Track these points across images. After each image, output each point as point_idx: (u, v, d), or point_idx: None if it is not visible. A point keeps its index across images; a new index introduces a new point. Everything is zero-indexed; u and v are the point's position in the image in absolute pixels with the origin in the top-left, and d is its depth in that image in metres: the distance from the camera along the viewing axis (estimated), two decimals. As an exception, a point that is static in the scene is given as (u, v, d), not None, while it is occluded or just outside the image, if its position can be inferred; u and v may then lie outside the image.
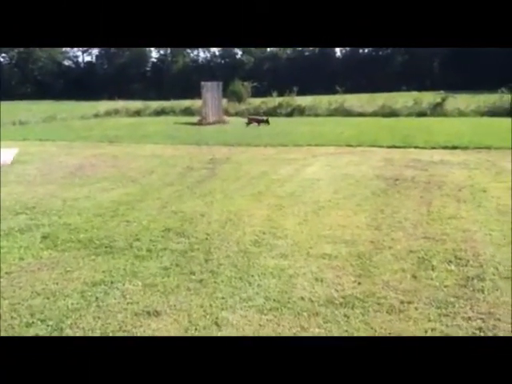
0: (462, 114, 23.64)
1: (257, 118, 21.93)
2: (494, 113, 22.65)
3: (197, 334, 3.60)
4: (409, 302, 4.02)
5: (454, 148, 12.58)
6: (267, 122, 20.56)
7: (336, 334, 3.56)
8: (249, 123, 20.81)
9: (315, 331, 3.61)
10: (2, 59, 76.28)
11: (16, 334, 3.63)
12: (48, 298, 4.22)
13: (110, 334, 3.61)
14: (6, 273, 4.80)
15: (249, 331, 3.63)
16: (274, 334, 3.59)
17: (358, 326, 3.66)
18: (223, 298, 4.18)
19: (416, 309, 3.91)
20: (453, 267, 4.74)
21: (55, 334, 3.63)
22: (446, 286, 4.31)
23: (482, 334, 3.52)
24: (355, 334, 3.56)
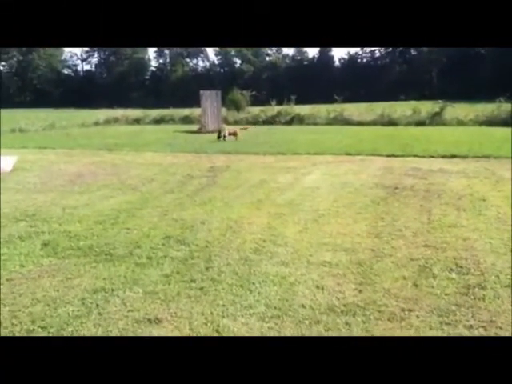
0: (460, 123, 23.74)
1: (233, 129, 19.34)
2: (492, 122, 22.76)
3: (198, 341, 3.60)
4: (410, 310, 4.01)
5: (453, 157, 12.61)
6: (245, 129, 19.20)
7: (337, 342, 3.56)
8: (220, 136, 18.23)
9: (316, 339, 3.61)
10: (1, 67, 76.48)
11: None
12: (49, 305, 4.21)
13: (111, 342, 3.61)
14: (7, 280, 4.79)
15: (250, 339, 3.62)
16: (275, 342, 3.58)
17: (359, 334, 3.66)
18: (224, 305, 4.17)
19: (417, 317, 3.91)
20: (454, 275, 4.74)
21: (56, 341, 3.62)
22: (447, 294, 4.31)
23: (484, 342, 3.51)
24: (357, 342, 3.55)
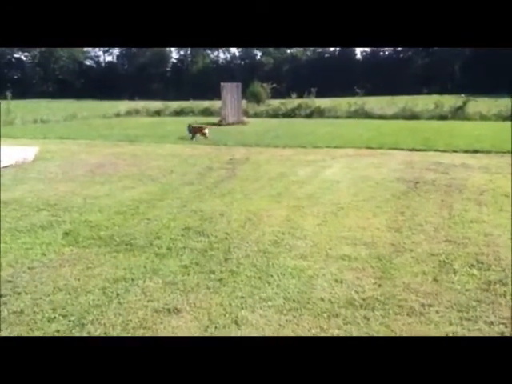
0: (483, 117, 23.40)
1: (200, 126, 17.32)
2: (516, 117, 22.36)
3: (216, 332, 3.61)
4: (430, 305, 3.99)
5: (476, 152, 12.45)
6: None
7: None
8: (193, 135, 16.19)
9: (335, 332, 3.60)
10: (24, 58, 77.27)
11: (39, 329, 3.67)
12: (70, 294, 4.27)
13: (131, 331, 3.64)
14: (29, 268, 4.86)
15: (268, 331, 3.63)
16: (293, 335, 3.58)
17: (378, 329, 3.64)
18: (243, 297, 4.19)
19: (437, 312, 3.88)
20: (475, 271, 4.69)
21: (77, 329, 3.67)
22: (467, 290, 4.27)
23: (505, 339, 3.48)
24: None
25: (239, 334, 3.58)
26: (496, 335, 3.53)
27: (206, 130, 16.43)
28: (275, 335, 3.57)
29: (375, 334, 3.57)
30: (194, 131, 16.40)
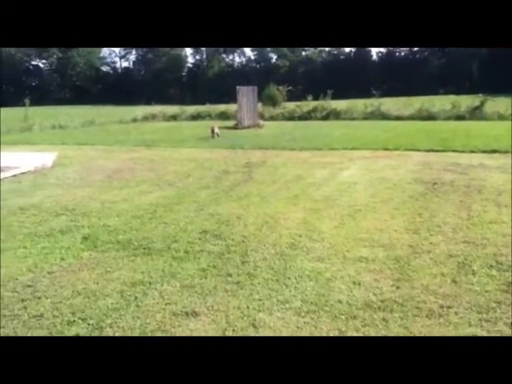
0: (501, 117, 23.11)
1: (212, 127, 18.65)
2: (534, 117, 22.08)
3: (234, 334, 3.62)
4: (449, 307, 3.95)
5: (494, 152, 12.31)
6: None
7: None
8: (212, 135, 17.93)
9: (353, 334, 3.59)
10: (42, 65, 78.22)
11: (58, 332, 3.71)
12: (88, 298, 4.31)
13: (149, 334, 3.66)
14: (48, 272, 4.92)
15: (286, 333, 3.63)
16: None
17: (396, 331, 3.62)
18: (260, 299, 4.19)
19: (456, 313, 3.85)
20: (494, 272, 4.64)
21: (96, 332, 3.70)
22: (487, 291, 4.23)
23: (526, 341, 3.44)
24: (394, 338, 3.52)
25: (253, 335, 3.58)
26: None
27: (216, 129, 18.21)
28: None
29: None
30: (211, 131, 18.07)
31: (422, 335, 3.55)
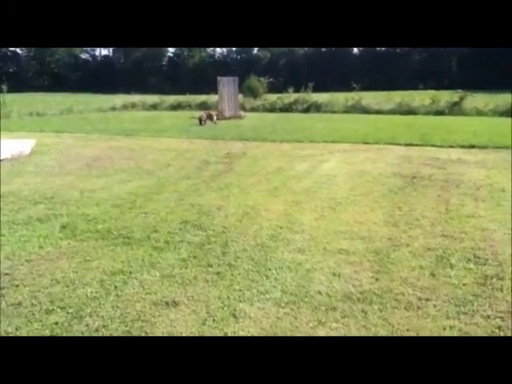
0: (480, 113, 23.39)
1: (210, 113, 19.95)
2: (512, 113, 22.36)
3: (215, 324, 3.62)
4: (427, 299, 4.00)
5: (472, 147, 12.47)
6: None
7: (354, 329, 3.55)
8: (202, 122, 18.66)
9: (332, 325, 3.61)
10: (20, 51, 76.87)
11: (37, 321, 3.67)
12: (67, 286, 4.27)
13: (129, 323, 3.64)
14: (26, 260, 4.86)
15: (266, 324, 3.64)
16: (291, 328, 3.59)
17: (375, 322, 3.66)
18: (240, 290, 4.20)
19: (434, 306, 3.90)
20: (471, 265, 4.71)
21: (75, 321, 3.66)
22: (464, 284, 4.29)
23: (502, 333, 3.49)
24: (373, 330, 3.55)
25: (237, 327, 3.59)
26: (494, 330, 3.55)
27: (215, 117, 19.13)
28: (272, 332, 3.57)
29: (373, 328, 3.58)
30: (207, 117, 18.92)
31: (421, 335, 3.59)
